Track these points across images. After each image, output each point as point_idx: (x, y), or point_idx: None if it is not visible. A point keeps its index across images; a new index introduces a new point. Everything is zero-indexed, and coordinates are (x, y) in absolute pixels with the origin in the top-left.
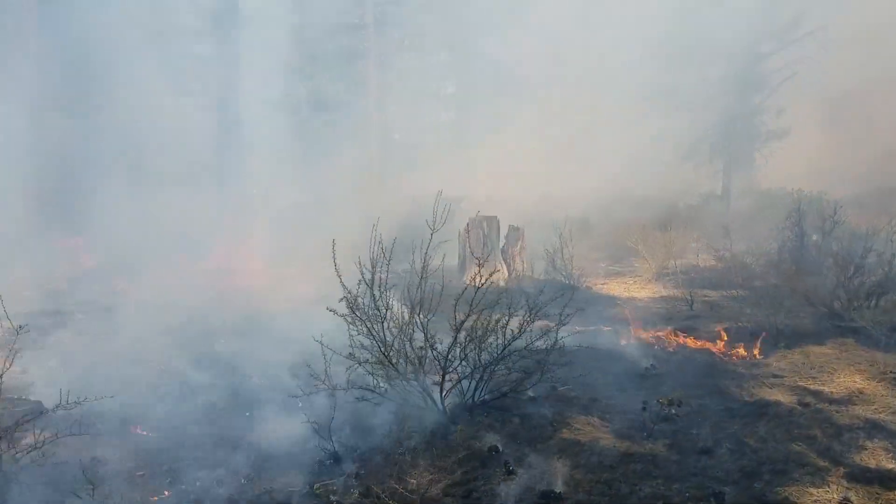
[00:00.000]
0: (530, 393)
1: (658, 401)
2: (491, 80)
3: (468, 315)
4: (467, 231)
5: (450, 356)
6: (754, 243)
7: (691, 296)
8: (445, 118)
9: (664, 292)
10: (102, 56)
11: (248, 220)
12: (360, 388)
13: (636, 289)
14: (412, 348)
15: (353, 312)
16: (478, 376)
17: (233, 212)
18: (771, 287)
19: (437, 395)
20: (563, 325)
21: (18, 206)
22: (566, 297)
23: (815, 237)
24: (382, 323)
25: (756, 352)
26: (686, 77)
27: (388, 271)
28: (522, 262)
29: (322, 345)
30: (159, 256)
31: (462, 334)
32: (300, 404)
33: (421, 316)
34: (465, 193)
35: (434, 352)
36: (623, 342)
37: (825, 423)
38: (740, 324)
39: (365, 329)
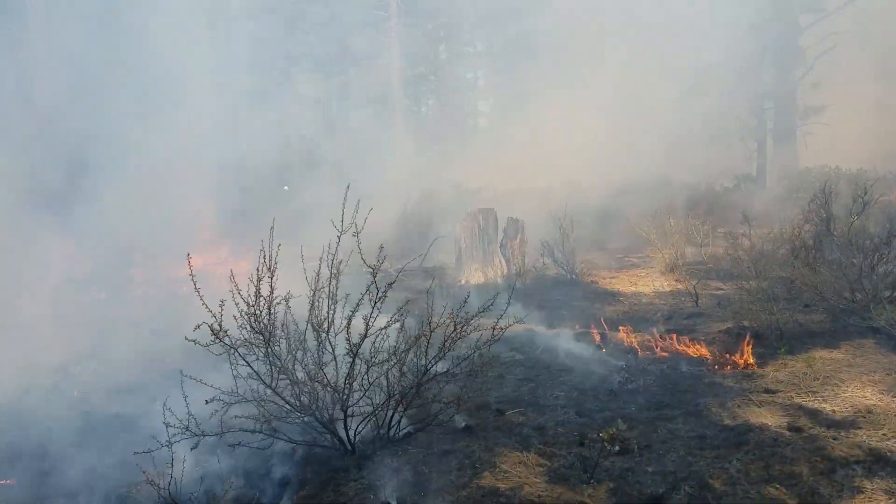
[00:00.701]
0: (462, 423)
1: (598, 435)
2: (514, 71)
3: (364, 336)
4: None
5: (350, 386)
6: (780, 228)
7: (696, 290)
8: (481, 107)
9: (673, 286)
10: (123, 47)
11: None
12: (240, 430)
13: (646, 282)
14: (306, 378)
15: (219, 341)
16: (392, 406)
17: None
18: (785, 279)
19: (343, 432)
20: (497, 340)
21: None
22: (504, 296)
23: (853, 219)
24: (267, 347)
25: (748, 359)
26: (718, 52)
27: (273, 286)
28: (523, 256)
29: (182, 375)
30: (154, 261)
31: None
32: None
33: (328, 336)
34: (485, 184)
35: (324, 388)
36: (605, 349)
37: (816, 456)
38: (744, 323)
39: (249, 359)
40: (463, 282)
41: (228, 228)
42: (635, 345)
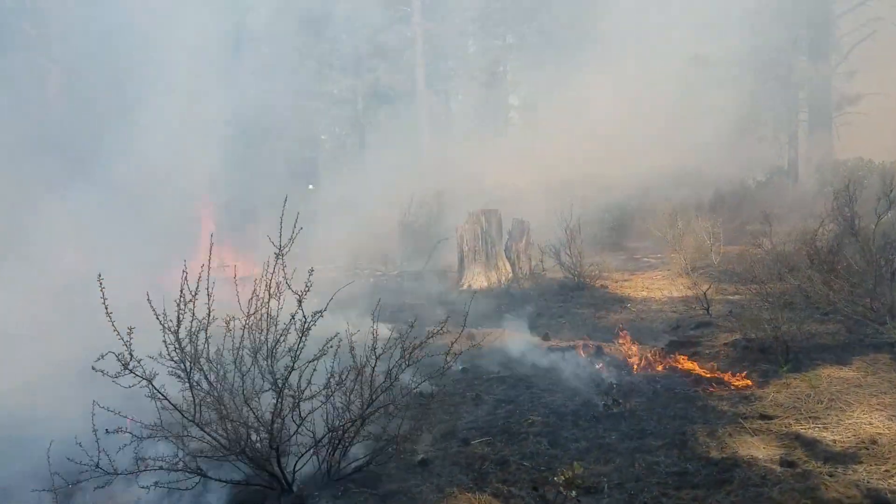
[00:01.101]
0: (420, 455)
1: (554, 479)
2: (541, 65)
3: (292, 367)
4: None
5: (282, 421)
6: (803, 227)
7: (707, 297)
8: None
9: (687, 291)
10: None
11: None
12: (159, 468)
13: (660, 286)
14: (235, 410)
15: (128, 370)
16: (333, 443)
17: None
18: (801, 287)
19: (281, 470)
20: (445, 371)
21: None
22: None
23: (878, 217)
24: (188, 376)
25: (745, 383)
26: (749, 40)
27: (209, 308)
28: (528, 259)
29: (95, 404)
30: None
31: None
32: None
33: (269, 362)
34: (507, 180)
35: (253, 424)
36: (597, 365)
37: (806, 498)
38: (752, 335)
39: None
40: (465, 287)
41: (236, 230)
42: (630, 360)
